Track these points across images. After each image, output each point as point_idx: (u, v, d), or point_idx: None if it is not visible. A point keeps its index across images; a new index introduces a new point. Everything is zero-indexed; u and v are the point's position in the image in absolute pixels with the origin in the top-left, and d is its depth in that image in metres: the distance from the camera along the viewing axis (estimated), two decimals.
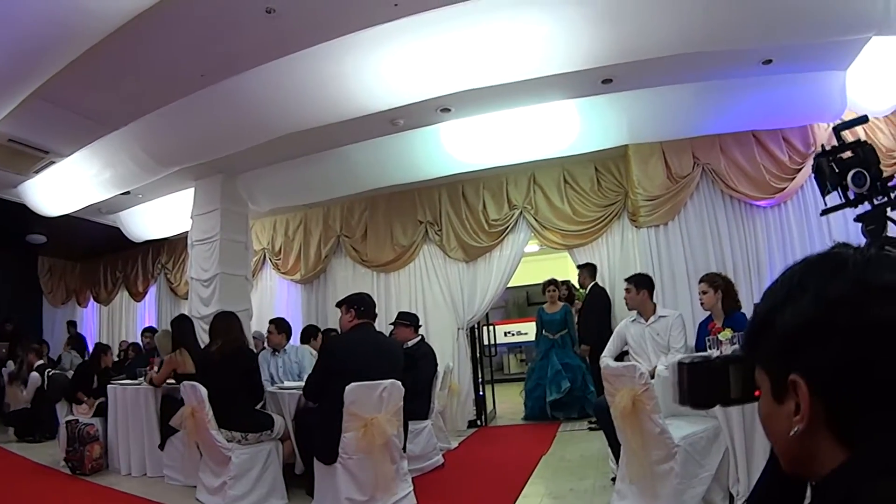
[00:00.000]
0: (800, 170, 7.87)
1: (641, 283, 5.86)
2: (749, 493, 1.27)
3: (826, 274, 0.90)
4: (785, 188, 7.90)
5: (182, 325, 7.10)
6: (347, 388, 4.68)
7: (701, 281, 5.59)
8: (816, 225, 7.81)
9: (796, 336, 0.90)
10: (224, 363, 5.65)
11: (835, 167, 4.65)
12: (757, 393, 1.07)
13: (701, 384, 1.22)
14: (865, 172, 4.52)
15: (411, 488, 5.05)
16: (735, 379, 1.17)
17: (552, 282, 9.74)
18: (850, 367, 0.84)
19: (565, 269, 12.11)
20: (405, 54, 5.97)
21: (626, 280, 6.00)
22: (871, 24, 5.71)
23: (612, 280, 8.68)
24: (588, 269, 8.67)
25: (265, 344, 7.96)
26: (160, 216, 10.70)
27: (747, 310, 5.72)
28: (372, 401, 4.82)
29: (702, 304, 5.57)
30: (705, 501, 4.31)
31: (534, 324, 10.41)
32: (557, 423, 8.66)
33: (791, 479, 1.15)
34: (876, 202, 4.56)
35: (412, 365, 6.31)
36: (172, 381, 6.53)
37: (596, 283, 8.58)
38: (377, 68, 6.12)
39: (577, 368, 9.18)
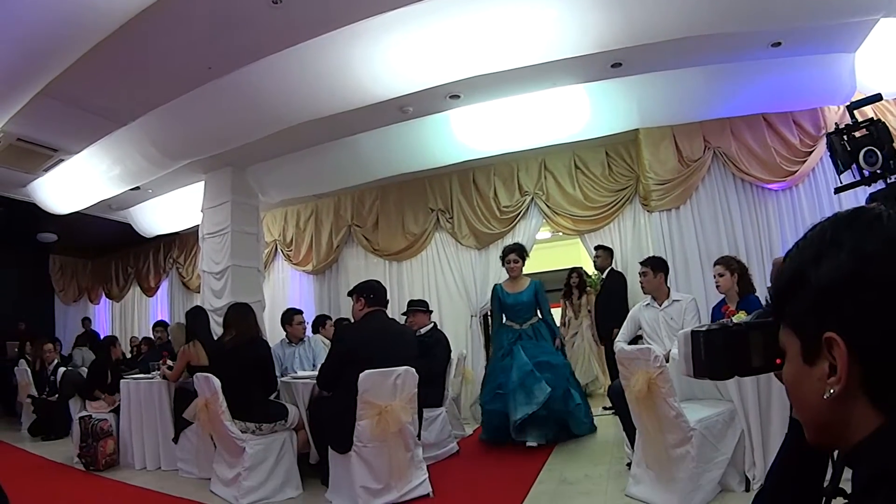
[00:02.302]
0: (811, 153, 7.82)
1: (658, 267, 5.82)
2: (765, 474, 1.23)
3: (862, 228, 0.86)
4: (796, 171, 7.85)
5: (197, 317, 7.09)
6: (362, 375, 4.69)
7: (717, 263, 5.55)
8: (829, 208, 7.73)
9: (833, 292, 0.85)
10: (237, 354, 5.65)
11: (847, 145, 4.63)
12: (778, 361, 1.04)
13: (719, 353, 1.16)
14: (877, 151, 4.50)
15: (426, 476, 5.03)
16: (755, 346, 1.13)
17: (515, 249, 7.29)
18: (889, 325, 0.80)
19: (577, 255, 12.09)
20: (413, 41, 5.94)
21: (643, 263, 5.94)
22: (879, 6, 5.68)
23: (624, 264, 8.63)
24: (607, 251, 8.57)
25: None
26: (170, 211, 10.74)
27: (761, 293, 5.70)
28: (386, 388, 4.83)
29: (718, 286, 5.54)
30: (721, 486, 4.29)
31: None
32: None
33: (811, 454, 1.13)
34: (889, 180, 4.55)
35: (426, 352, 6.29)
36: (185, 373, 6.52)
37: (612, 268, 8.51)
38: (385, 56, 6.10)
39: (559, 368, 6.83)
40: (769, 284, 7.05)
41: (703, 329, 1.19)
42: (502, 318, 7.31)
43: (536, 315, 7.21)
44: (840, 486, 1.02)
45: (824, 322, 0.85)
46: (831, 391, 0.85)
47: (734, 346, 1.15)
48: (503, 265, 7.32)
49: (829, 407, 0.87)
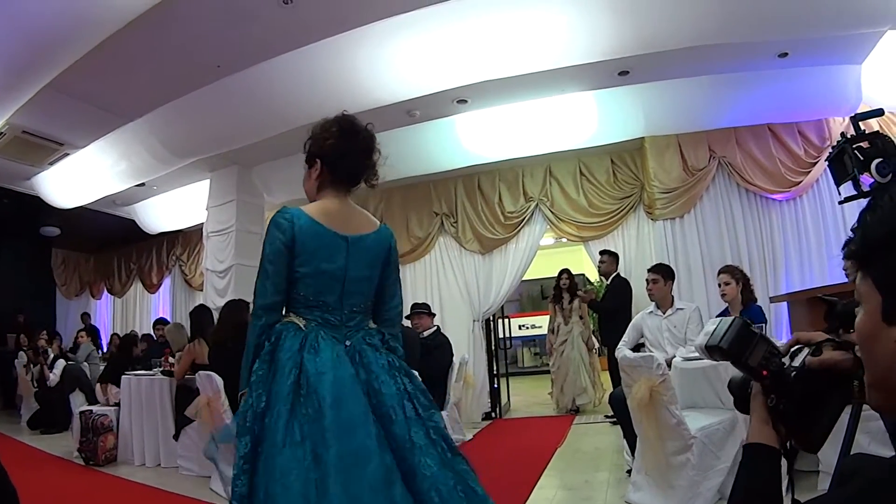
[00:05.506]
0: (815, 163, 7.82)
1: (668, 275, 5.83)
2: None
3: None
4: (800, 182, 7.86)
5: (201, 316, 7.09)
6: None
7: (722, 272, 5.53)
8: (832, 218, 7.78)
9: None
10: (228, 351, 5.61)
11: (858, 155, 4.63)
12: (765, 373, 1.20)
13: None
14: (888, 162, 4.50)
15: None
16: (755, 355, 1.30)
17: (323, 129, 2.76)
18: None
19: (580, 262, 12.09)
20: (422, 45, 5.97)
21: (653, 270, 5.92)
22: (886, 18, 5.70)
23: (627, 272, 8.53)
24: (612, 257, 8.38)
25: None
26: (175, 208, 10.78)
27: (763, 302, 5.71)
28: None
29: (723, 295, 5.50)
30: (720, 494, 4.28)
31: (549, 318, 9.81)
32: (572, 416, 8.56)
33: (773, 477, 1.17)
34: None
35: (428, 354, 6.27)
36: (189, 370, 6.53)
37: (618, 274, 8.32)
38: (393, 59, 6.13)
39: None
40: (771, 295, 7.07)
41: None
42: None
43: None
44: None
45: None
46: None
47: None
48: None
49: None
